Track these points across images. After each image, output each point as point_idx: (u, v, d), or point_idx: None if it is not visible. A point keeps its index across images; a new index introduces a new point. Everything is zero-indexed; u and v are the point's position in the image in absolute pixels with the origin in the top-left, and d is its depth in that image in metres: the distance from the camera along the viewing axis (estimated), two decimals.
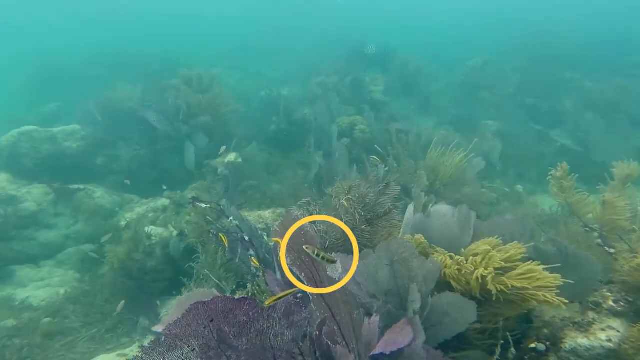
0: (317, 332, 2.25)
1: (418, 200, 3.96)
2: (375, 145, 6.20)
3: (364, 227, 3.65)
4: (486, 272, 2.61)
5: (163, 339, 1.82)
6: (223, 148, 7.12)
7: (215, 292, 3.27)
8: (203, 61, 15.09)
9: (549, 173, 3.78)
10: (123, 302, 5.10)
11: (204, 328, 1.88)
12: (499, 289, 2.56)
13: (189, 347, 1.85)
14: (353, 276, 2.87)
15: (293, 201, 6.24)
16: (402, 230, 3.45)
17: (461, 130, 8.65)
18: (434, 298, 2.66)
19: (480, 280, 2.63)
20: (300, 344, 2.06)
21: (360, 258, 2.96)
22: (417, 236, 3.12)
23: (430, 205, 3.50)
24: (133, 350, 5.14)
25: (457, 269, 2.79)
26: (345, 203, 3.72)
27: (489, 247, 2.81)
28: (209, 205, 4.63)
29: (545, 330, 2.69)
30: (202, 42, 21.74)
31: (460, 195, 4.70)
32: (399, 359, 2.36)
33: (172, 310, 3.14)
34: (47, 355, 5.09)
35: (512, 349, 2.51)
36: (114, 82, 10.08)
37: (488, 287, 2.58)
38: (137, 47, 15.55)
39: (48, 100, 12.20)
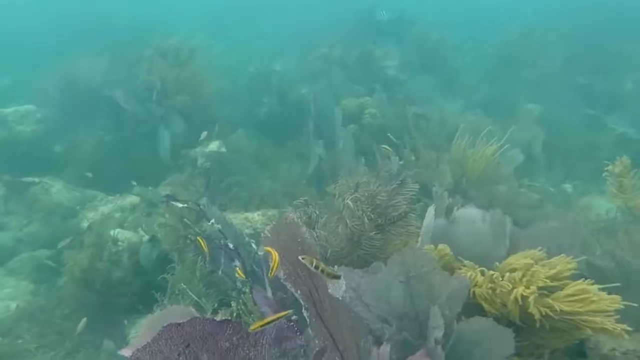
0: None
1: (440, 201, 3.85)
2: (389, 134, 6.09)
3: (373, 234, 3.57)
4: (528, 291, 2.52)
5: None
6: (204, 134, 7.05)
7: (192, 310, 3.23)
8: (181, 28, 14.85)
9: (605, 169, 3.69)
10: (85, 320, 5.06)
11: (178, 355, 1.84)
12: (544, 313, 2.48)
13: None
14: (360, 296, 2.80)
15: (287, 201, 6.17)
16: (420, 238, 3.37)
17: (494, 115, 8.47)
18: (460, 324, 2.58)
19: (520, 302, 2.55)
20: None
21: (369, 273, 2.89)
22: (440, 246, 3.04)
23: (456, 208, 3.41)
24: None
25: (491, 288, 2.71)
26: (351, 204, 3.64)
27: (531, 261, 2.72)
28: (186, 205, 4.55)
29: None
30: (180, 5, 21.53)
31: (493, 196, 4.60)
32: None
33: (141, 331, 3.12)
34: None
35: None
36: (74, 54, 9.94)
37: (529, 310, 2.49)
38: (103, 9, 15.39)
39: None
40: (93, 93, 8.61)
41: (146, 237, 5.94)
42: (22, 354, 5.48)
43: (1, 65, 12.88)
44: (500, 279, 2.67)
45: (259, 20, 17.33)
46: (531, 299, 2.49)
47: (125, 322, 5.58)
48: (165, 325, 1.93)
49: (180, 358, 1.93)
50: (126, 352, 2.65)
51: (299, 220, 2.93)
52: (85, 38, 12.57)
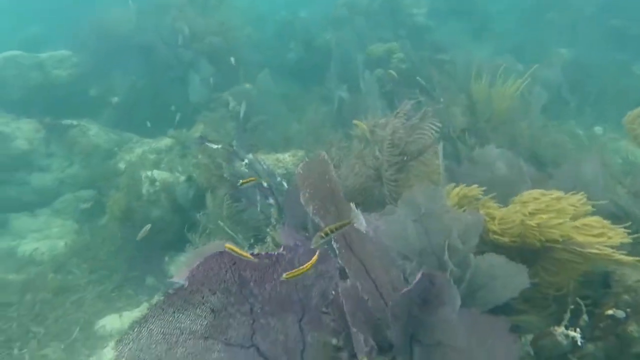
0: (349, 287, 2.30)
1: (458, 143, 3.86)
2: (418, 77, 6.00)
3: (389, 173, 3.54)
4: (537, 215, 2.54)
5: (186, 283, 1.98)
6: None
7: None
8: None
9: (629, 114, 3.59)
10: (148, 226, 5.30)
11: (226, 272, 2.00)
12: (557, 238, 2.53)
13: (210, 290, 1.99)
14: (380, 237, 2.84)
15: (314, 142, 6.23)
16: (441, 177, 3.40)
17: (524, 60, 8.19)
18: (477, 259, 2.66)
19: (526, 222, 2.60)
20: (332, 293, 2.15)
21: (384, 215, 2.94)
22: (458, 188, 3.06)
23: (476, 148, 3.41)
24: (142, 310, 5.48)
25: (503, 219, 2.76)
26: (369, 137, 3.62)
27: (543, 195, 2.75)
28: (219, 146, 4.67)
29: (626, 297, 2.66)
30: None
31: (517, 136, 4.54)
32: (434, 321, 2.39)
33: (189, 259, 3.29)
34: (58, 313, 5.54)
35: (585, 316, 2.53)
36: (104, 2, 9.93)
37: (541, 233, 2.55)
38: None
39: (28, 23, 12.23)
40: (125, 39, 8.66)
41: (182, 178, 6.12)
42: (75, 288, 5.96)
43: (31, 14, 12.93)
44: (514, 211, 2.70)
45: None
46: (545, 217, 2.54)
47: (166, 259, 5.86)
48: (212, 255, 2.09)
49: (228, 274, 2.10)
50: (178, 278, 2.82)
51: (328, 159, 2.97)
52: None
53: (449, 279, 2.13)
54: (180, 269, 3.14)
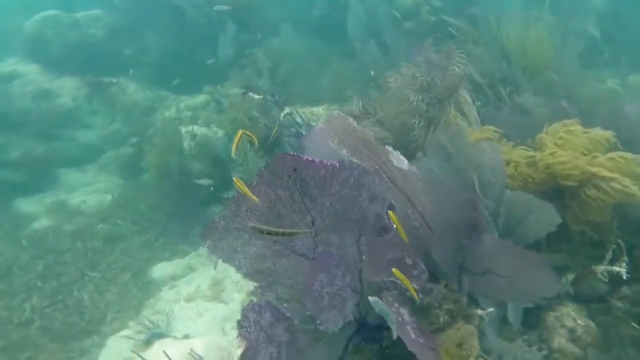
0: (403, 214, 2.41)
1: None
2: (449, 28, 5.90)
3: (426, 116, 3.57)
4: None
5: (255, 181, 2.14)
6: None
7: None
8: None
9: None
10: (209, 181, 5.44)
11: (289, 177, 2.18)
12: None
13: (275, 194, 2.16)
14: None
15: (345, 97, 6.25)
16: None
17: (558, 12, 7.88)
18: (510, 193, 2.77)
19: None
20: (386, 217, 2.26)
21: (414, 163, 3.00)
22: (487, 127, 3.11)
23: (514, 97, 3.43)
24: (192, 258, 5.80)
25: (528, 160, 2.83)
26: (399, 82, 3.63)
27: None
28: (261, 97, 4.77)
29: None
30: None
31: (552, 84, 4.50)
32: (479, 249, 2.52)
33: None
34: (110, 259, 5.91)
35: (625, 257, 2.59)
36: None
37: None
38: None
39: None
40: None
41: (220, 133, 6.26)
42: (121, 238, 6.33)
43: None
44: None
45: None
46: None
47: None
48: (279, 154, 2.27)
49: (290, 179, 2.24)
50: None
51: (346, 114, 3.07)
52: None
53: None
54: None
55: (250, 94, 4.82)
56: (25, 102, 7.59)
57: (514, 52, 4.92)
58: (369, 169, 2.33)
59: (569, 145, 2.73)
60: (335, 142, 2.77)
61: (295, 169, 2.17)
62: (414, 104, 3.44)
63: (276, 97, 4.68)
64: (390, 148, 2.75)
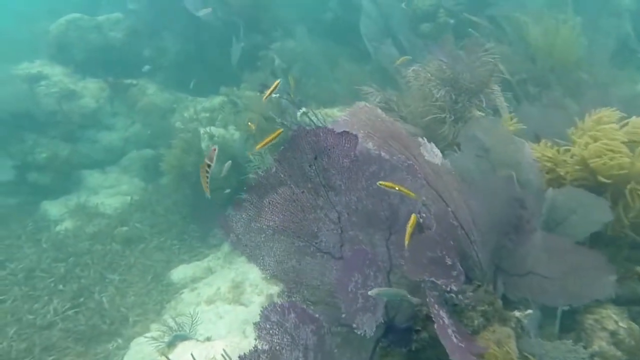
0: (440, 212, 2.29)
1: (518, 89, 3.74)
2: (470, 29, 5.78)
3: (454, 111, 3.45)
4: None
5: (272, 169, 2.03)
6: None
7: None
8: None
9: None
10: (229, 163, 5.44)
11: (310, 166, 2.07)
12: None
13: (297, 186, 2.06)
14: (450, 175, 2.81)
15: (360, 98, 6.16)
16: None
17: (584, 11, 7.63)
18: (554, 191, 2.63)
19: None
20: (420, 217, 2.14)
21: (447, 157, 2.89)
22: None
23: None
24: (211, 261, 5.77)
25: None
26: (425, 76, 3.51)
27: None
28: (278, 96, 4.71)
29: None
30: None
31: (582, 84, 4.36)
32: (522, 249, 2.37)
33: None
34: (130, 261, 5.93)
35: None
36: None
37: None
38: None
39: None
40: (171, 2, 8.63)
41: (237, 134, 6.23)
42: (140, 240, 6.34)
43: None
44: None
45: None
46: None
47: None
48: (296, 131, 2.14)
49: (312, 169, 2.15)
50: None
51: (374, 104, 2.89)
52: None
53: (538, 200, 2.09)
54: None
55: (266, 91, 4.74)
56: (51, 102, 7.66)
57: (540, 50, 4.78)
58: (399, 163, 2.21)
59: (608, 137, 2.55)
60: (361, 134, 2.60)
61: (316, 157, 2.04)
62: (441, 99, 3.31)
63: (292, 96, 4.60)
64: (423, 140, 2.60)
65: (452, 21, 7.57)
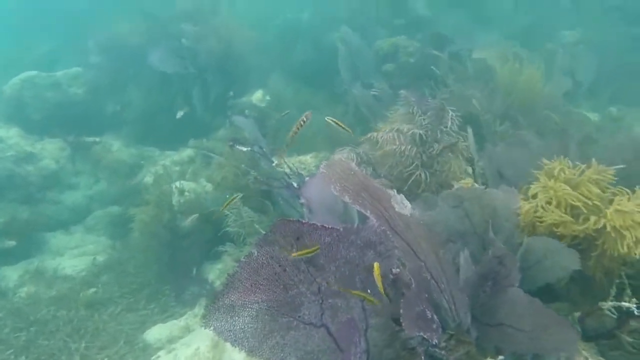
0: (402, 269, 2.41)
1: (489, 128, 3.99)
2: (432, 67, 6.11)
3: (420, 165, 3.68)
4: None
5: (255, 253, 2.10)
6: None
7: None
8: None
9: None
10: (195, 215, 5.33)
11: (291, 246, 2.16)
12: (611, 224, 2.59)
13: (280, 265, 2.12)
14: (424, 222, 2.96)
15: (333, 143, 6.35)
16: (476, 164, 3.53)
17: (531, 45, 8.24)
18: (529, 238, 2.79)
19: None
20: (392, 274, 2.26)
21: (421, 203, 3.08)
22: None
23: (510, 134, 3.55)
24: (188, 319, 5.65)
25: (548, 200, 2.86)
26: (395, 137, 3.74)
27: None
28: (249, 149, 4.81)
29: None
30: None
31: (544, 122, 4.66)
32: (498, 301, 2.51)
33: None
34: (98, 326, 5.71)
35: (628, 290, 2.62)
36: (110, 18, 10.06)
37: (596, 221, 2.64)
38: None
39: (40, 41, 12.38)
40: (136, 52, 8.77)
41: (209, 187, 6.25)
42: (109, 302, 6.14)
43: (41, 32, 13.08)
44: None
45: None
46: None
47: (194, 270, 5.93)
48: (279, 220, 2.23)
49: (293, 248, 2.22)
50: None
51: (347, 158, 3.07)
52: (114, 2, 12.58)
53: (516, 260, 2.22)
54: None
55: (237, 146, 4.84)
56: (7, 166, 7.53)
57: (504, 89, 5.10)
58: (374, 226, 2.31)
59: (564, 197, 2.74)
60: (337, 188, 2.71)
61: (298, 238, 2.15)
62: (411, 159, 3.51)
63: (263, 148, 4.71)
64: (393, 192, 2.74)
65: (412, 60, 7.98)
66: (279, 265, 2.17)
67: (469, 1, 11.44)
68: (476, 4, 11.51)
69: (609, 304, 2.59)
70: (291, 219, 2.20)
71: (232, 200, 3.90)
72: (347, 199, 2.68)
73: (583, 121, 4.81)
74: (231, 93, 7.71)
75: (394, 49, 8.55)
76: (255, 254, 2.14)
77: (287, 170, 5.01)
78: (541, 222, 2.82)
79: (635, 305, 2.46)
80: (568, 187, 2.78)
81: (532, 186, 2.96)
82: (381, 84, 7.46)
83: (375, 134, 3.94)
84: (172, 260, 6.22)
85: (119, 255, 7.01)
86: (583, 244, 2.80)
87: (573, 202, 2.74)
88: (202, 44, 8.68)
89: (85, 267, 6.92)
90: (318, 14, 11.56)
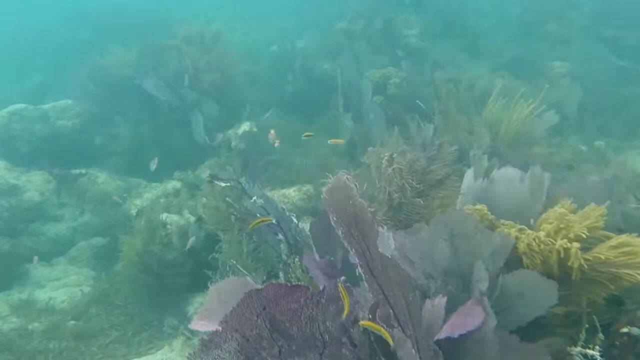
0: (370, 317, 2.37)
1: (479, 163, 3.96)
2: (417, 101, 6.16)
3: (413, 199, 3.70)
4: (569, 244, 2.62)
5: (220, 329, 2.06)
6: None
7: (249, 280, 3.40)
8: (198, 14, 15.04)
9: None
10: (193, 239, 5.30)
11: (257, 317, 2.09)
12: (586, 266, 2.58)
13: (243, 337, 2.07)
14: (405, 255, 2.93)
15: (322, 175, 6.32)
16: (459, 200, 3.49)
17: (521, 75, 8.34)
18: (504, 277, 2.72)
19: (561, 255, 2.65)
20: (351, 329, 2.22)
21: (412, 233, 2.99)
22: (479, 206, 3.14)
23: (495, 169, 3.52)
24: (166, 352, 5.52)
25: (528, 245, 2.82)
26: (390, 170, 3.75)
27: (564, 211, 2.81)
28: (228, 184, 4.78)
29: None
30: None
31: (529, 157, 4.65)
32: (467, 345, 2.46)
33: (208, 299, 3.28)
34: (86, 358, 5.62)
35: (600, 334, 2.53)
36: (102, 47, 10.23)
37: (571, 262, 2.60)
38: (116, 2, 15.52)
39: (30, 73, 12.55)
40: (125, 83, 8.89)
41: (192, 219, 6.22)
42: (96, 335, 6.02)
43: (31, 63, 13.29)
44: (539, 237, 2.75)
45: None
46: (573, 250, 2.59)
47: (190, 297, 5.89)
48: (247, 292, 2.20)
49: (259, 319, 2.17)
50: (198, 324, 2.80)
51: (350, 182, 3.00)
52: (109, 31, 12.84)
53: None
54: (199, 310, 3.16)
55: (215, 181, 4.81)
56: None
57: (491, 124, 5.13)
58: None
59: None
60: (334, 219, 2.71)
61: (264, 308, 2.13)
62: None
63: (242, 184, 4.67)
64: (382, 230, 2.68)
65: (400, 91, 8.07)
66: (242, 337, 2.12)
67: (459, 34, 11.67)
68: (467, 36, 11.74)
69: (577, 350, 2.49)
70: (258, 287, 2.18)
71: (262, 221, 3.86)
72: (340, 233, 2.71)
73: (562, 157, 4.79)
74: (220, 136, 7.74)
75: (384, 80, 8.67)
76: (221, 329, 2.11)
77: (271, 205, 4.96)
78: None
79: (599, 354, 2.36)
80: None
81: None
82: (373, 114, 7.52)
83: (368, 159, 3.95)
84: (157, 293, 6.18)
85: (104, 287, 6.89)
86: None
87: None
88: (199, 80, 8.79)
89: (69, 298, 6.82)
90: (313, 43, 11.76)
